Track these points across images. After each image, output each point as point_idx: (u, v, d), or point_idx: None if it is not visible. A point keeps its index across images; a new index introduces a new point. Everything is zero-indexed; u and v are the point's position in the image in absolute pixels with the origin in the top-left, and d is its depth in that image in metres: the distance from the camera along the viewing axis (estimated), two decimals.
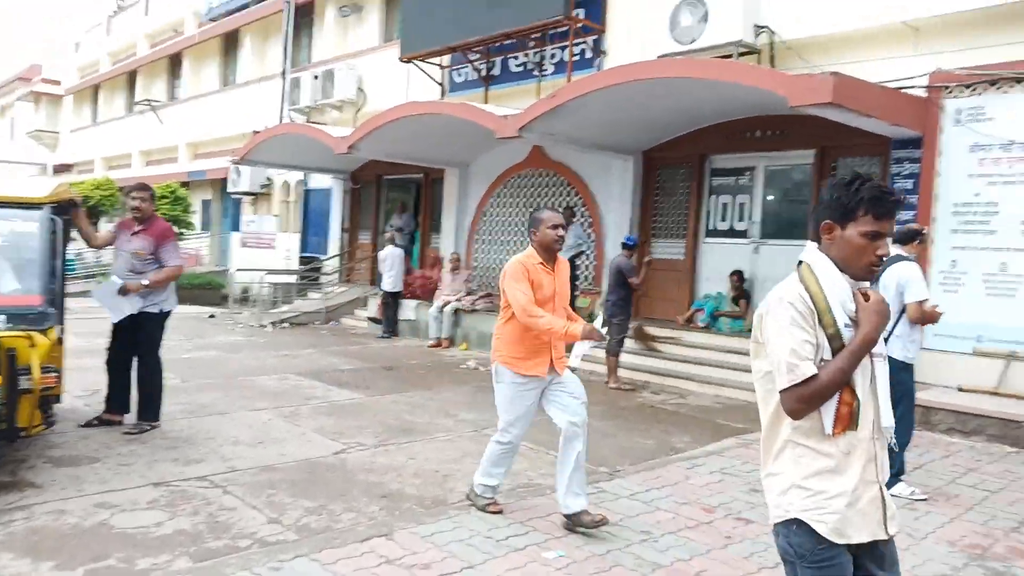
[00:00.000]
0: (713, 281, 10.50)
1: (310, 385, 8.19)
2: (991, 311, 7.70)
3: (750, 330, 8.31)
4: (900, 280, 5.11)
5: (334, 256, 16.44)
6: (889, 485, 5.16)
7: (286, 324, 13.63)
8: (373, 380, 8.68)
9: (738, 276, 9.93)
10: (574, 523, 4.09)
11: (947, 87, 8.10)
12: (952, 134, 8.07)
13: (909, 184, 8.54)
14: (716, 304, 9.86)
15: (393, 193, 16.16)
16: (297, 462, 5.39)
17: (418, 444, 6.02)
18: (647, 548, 3.91)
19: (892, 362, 5.26)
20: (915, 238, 5.36)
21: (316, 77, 15.82)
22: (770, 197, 10.26)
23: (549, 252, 4.33)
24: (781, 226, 10.13)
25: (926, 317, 5.19)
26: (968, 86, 7.99)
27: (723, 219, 10.65)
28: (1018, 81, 7.64)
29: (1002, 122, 7.72)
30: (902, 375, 5.16)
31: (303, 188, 18.07)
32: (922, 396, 6.64)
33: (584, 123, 9.89)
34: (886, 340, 5.32)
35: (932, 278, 7.88)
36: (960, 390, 7.54)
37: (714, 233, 10.72)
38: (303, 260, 16.87)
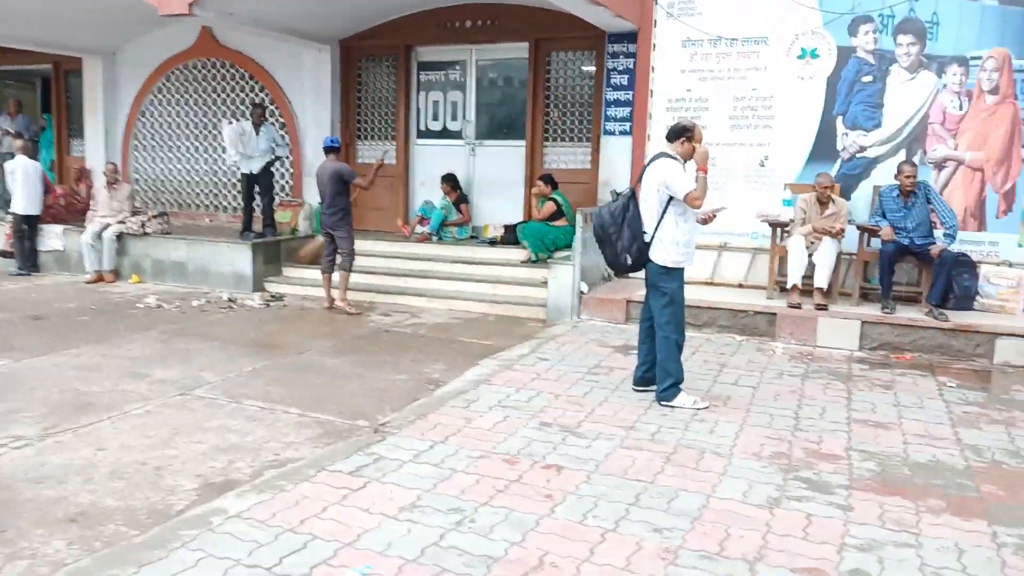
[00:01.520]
0: (428, 187, 9.68)
1: None
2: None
3: (474, 236, 7.79)
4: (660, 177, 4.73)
5: None
6: (669, 397, 4.96)
7: None
8: (17, 337, 6.55)
9: (450, 181, 9.18)
10: None
11: None
12: (665, 28, 7.97)
13: (624, 80, 8.40)
14: (445, 214, 9.06)
15: (9, 90, 12.66)
16: None
17: (105, 425, 4.45)
18: (468, 536, 3.06)
19: (653, 266, 4.99)
20: (681, 135, 4.95)
21: None
22: (484, 94, 9.59)
23: None
24: (497, 126, 9.56)
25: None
26: None
27: (435, 118, 9.78)
28: None
29: (710, 17, 7.76)
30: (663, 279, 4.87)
31: None
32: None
33: (272, 1, 8.20)
34: (648, 244, 5.00)
35: None
36: None
37: (426, 134, 9.83)
38: None
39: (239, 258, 8.79)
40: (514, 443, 4.09)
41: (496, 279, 8.11)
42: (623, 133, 8.35)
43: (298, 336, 6.78)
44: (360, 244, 8.16)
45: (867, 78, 7.34)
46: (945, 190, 7.10)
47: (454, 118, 9.64)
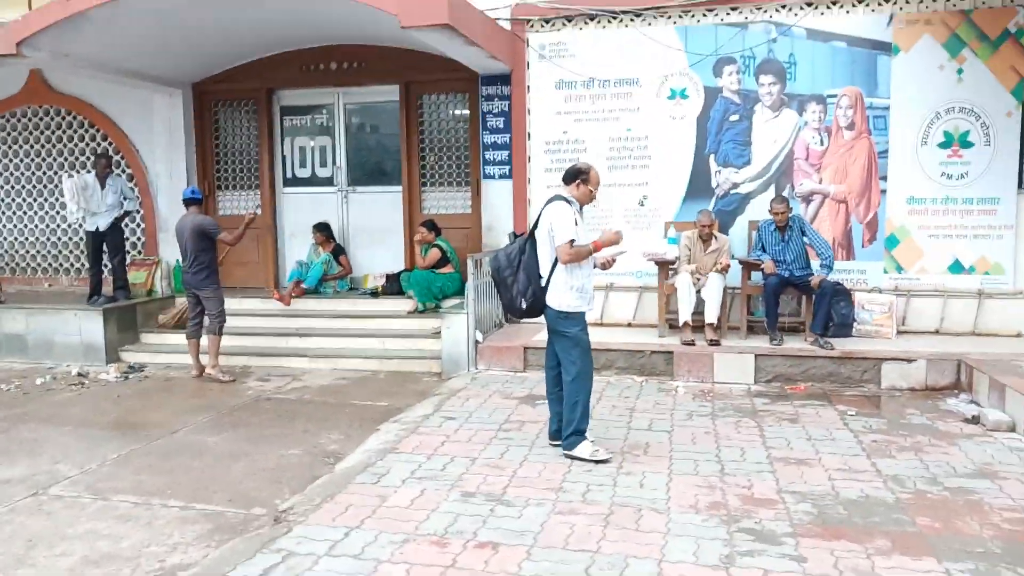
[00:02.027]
0: (300, 238, 9.12)
1: None
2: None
3: (354, 288, 7.54)
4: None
5: None
6: (571, 445, 4.71)
7: None
8: None
9: (324, 230, 8.70)
10: None
11: (529, 21, 7.93)
12: (538, 70, 7.96)
13: (501, 122, 8.29)
14: (326, 269, 8.51)
15: None
16: None
17: None
18: None
19: (550, 311, 4.78)
20: (576, 178, 4.81)
21: None
22: (355, 139, 9.20)
23: None
24: (371, 171, 9.18)
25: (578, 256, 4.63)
26: (548, 21, 7.91)
27: (303, 165, 9.27)
28: (592, 19, 7.78)
29: (583, 58, 7.82)
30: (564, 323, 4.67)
31: None
32: (542, 337, 6.19)
33: (117, 40, 7.49)
34: (545, 288, 4.83)
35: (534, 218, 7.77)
36: None
37: (293, 181, 9.30)
38: None
39: (89, 326, 7.85)
40: (439, 520, 3.71)
41: (384, 332, 7.68)
42: (503, 176, 8.21)
43: (167, 412, 6.05)
44: (229, 303, 7.49)
45: (734, 117, 7.60)
46: (814, 222, 7.41)
47: (323, 164, 9.17)
